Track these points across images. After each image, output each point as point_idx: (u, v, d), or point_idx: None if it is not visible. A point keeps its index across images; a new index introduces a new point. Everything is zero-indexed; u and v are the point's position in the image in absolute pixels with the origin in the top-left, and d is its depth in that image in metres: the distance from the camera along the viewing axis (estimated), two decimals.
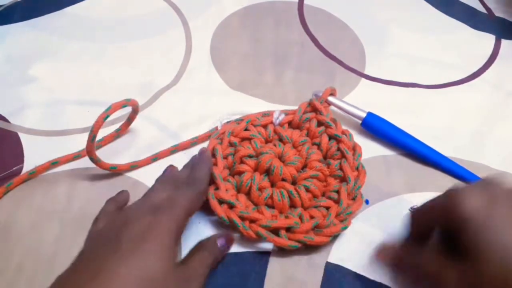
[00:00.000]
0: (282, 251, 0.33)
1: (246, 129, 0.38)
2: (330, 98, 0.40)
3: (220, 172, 0.35)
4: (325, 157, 0.38)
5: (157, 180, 0.33)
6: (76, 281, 0.25)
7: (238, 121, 0.39)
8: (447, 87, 0.46)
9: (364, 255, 0.33)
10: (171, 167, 0.35)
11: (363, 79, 0.46)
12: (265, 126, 0.39)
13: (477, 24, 0.52)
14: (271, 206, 0.34)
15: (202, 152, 0.36)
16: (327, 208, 0.34)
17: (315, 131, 0.38)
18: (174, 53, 0.46)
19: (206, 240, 0.32)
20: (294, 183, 0.35)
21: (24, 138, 0.39)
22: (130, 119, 0.38)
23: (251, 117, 0.39)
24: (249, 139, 0.38)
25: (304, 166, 0.36)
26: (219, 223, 0.34)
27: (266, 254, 0.33)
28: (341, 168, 0.36)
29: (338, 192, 0.35)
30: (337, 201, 0.34)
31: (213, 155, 0.36)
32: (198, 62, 0.46)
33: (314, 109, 0.39)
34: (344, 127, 0.39)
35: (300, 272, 0.32)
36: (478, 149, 0.40)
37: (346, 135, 0.38)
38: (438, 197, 0.27)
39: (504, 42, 0.51)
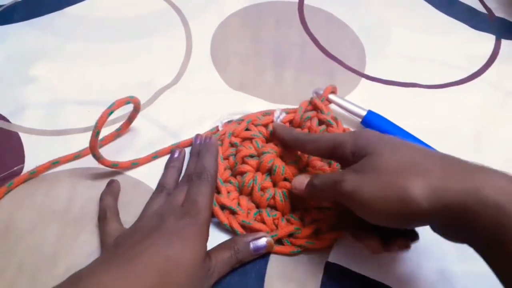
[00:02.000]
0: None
1: (247, 129, 0.38)
2: (331, 96, 0.41)
3: (221, 175, 0.35)
4: None
5: (167, 167, 0.36)
6: (116, 264, 0.26)
7: (239, 121, 0.39)
8: (447, 87, 0.46)
9: (364, 255, 0.33)
10: (180, 151, 0.38)
11: (363, 79, 0.46)
12: (266, 126, 0.39)
13: (477, 24, 0.52)
14: (273, 206, 0.34)
15: (206, 138, 0.37)
16: (329, 208, 0.34)
17: (316, 130, 0.38)
18: (174, 53, 0.46)
19: (240, 239, 0.32)
20: None
21: (24, 138, 0.39)
22: (131, 118, 0.38)
23: (251, 117, 0.39)
24: (250, 139, 0.38)
25: (306, 165, 0.36)
26: (220, 225, 0.34)
27: (266, 254, 0.33)
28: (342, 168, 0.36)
29: None
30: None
31: None
32: (198, 62, 0.46)
33: (315, 108, 0.39)
34: (344, 126, 0.39)
35: (300, 272, 0.32)
36: (478, 149, 0.40)
37: None
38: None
39: (504, 42, 0.51)
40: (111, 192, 0.35)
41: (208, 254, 0.30)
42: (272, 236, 0.32)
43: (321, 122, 0.39)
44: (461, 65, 0.48)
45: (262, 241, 0.32)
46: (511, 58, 0.49)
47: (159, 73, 0.44)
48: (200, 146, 0.37)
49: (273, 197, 0.34)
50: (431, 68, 0.47)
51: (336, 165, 0.36)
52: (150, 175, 0.37)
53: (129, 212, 0.34)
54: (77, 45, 0.46)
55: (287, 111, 0.40)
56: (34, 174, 0.36)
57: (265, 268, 0.32)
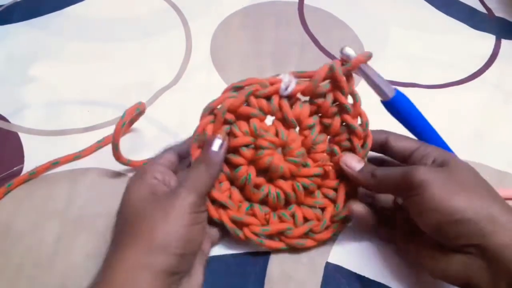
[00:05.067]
0: (282, 251, 0.33)
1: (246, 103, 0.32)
2: (364, 66, 0.32)
3: None
4: (330, 141, 0.33)
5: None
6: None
7: (237, 87, 0.31)
8: (447, 87, 0.46)
9: (364, 256, 0.33)
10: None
11: (363, 79, 0.46)
12: (268, 98, 0.31)
13: (477, 24, 0.52)
14: (265, 201, 0.32)
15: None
16: (323, 208, 0.33)
17: (328, 111, 0.31)
18: (174, 53, 0.46)
19: (204, 153, 0.30)
20: (292, 175, 0.32)
21: (24, 138, 0.39)
22: (133, 120, 0.38)
23: (254, 83, 0.31)
24: (247, 117, 0.31)
25: (308, 153, 0.32)
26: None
27: (266, 254, 0.33)
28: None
29: (336, 190, 0.33)
30: (334, 201, 0.33)
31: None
32: (198, 62, 0.46)
33: (334, 81, 0.31)
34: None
35: (300, 272, 0.32)
36: (478, 149, 0.40)
37: (362, 120, 0.32)
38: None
39: (504, 42, 0.51)
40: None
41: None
42: (263, 230, 0.32)
43: (334, 101, 0.31)
44: (461, 65, 0.48)
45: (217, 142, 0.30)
46: (511, 58, 0.49)
47: (159, 73, 0.44)
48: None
49: (266, 196, 0.32)
50: (431, 68, 0.47)
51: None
52: None
53: None
54: (77, 45, 0.46)
55: (297, 76, 0.31)
56: (34, 174, 0.36)
57: (265, 269, 0.32)
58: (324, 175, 0.33)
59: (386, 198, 0.34)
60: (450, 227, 0.26)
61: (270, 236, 0.32)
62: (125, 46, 0.47)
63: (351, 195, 0.33)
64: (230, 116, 0.31)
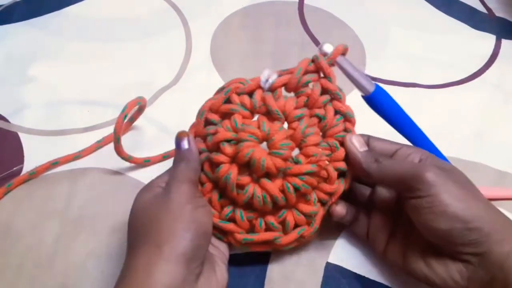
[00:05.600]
0: (282, 252, 0.33)
1: (227, 101, 0.30)
2: (340, 59, 0.31)
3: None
4: (323, 134, 0.30)
5: None
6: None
7: (221, 88, 0.31)
8: (447, 87, 0.46)
9: (364, 256, 0.33)
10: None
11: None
12: (250, 94, 0.30)
13: (477, 24, 0.52)
14: (251, 204, 0.29)
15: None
16: (316, 212, 0.30)
17: (318, 100, 0.29)
18: (174, 53, 0.46)
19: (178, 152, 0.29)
20: (283, 174, 0.29)
21: (24, 138, 0.39)
22: (134, 118, 0.38)
23: (234, 83, 0.30)
24: (229, 114, 0.30)
25: (300, 149, 0.30)
26: None
27: (266, 254, 0.33)
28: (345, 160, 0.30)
29: (330, 195, 0.30)
30: (326, 203, 0.30)
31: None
32: (198, 62, 0.46)
33: (319, 70, 0.30)
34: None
35: (300, 272, 0.32)
36: (478, 149, 0.40)
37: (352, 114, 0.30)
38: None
39: (504, 42, 0.51)
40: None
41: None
42: (245, 240, 0.30)
43: (324, 91, 0.30)
44: (461, 65, 0.48)
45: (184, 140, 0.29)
46: (511, 58, 0.49)
47: (159, 73, 0.44)
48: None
49: (251, 199, 0.29)
50: (431, 68, 0.47)
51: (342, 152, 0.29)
52: (150, 174, 0.37)
53: (129, 212, 0.34)
54: (76, 45, 0.46)
55: (280, 73, 0.30)
56: (34, 174, 0.36)
57: (265, 269, 0.32)
58: (320, 176, 0.29)
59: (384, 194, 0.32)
60: (461, 234, 0.25)
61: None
62: (125, 46, 0.47)
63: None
64: (214, 117, 0.30)
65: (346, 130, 0.30)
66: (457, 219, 0.25)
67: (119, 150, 0.34)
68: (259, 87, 0.30)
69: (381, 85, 0.45)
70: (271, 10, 0.52)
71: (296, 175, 0.28)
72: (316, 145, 0.29)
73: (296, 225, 0.30)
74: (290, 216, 0.30)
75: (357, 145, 0.29)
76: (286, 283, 0.31)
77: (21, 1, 0.50)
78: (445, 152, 0.39)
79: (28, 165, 0.37)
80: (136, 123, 0.39)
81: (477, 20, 0.53)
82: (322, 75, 0.30)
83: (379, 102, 0.32)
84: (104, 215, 0.34)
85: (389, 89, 0.44)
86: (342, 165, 0.30)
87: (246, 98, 0.30)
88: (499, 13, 0.54)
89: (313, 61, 0.30)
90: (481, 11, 0.54)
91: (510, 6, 0.55)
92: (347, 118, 0.30)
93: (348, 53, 0.47)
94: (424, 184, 0.26)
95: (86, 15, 0.50)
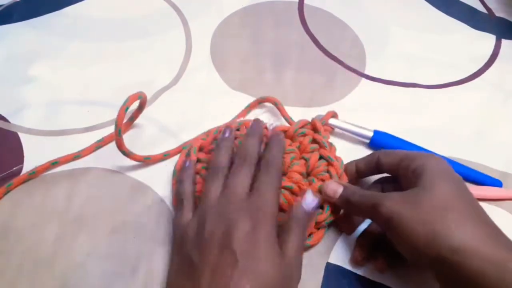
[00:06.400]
0: None
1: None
2: (332, 121, 0.39)
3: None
4: (308, 174, 0.35)
5: (219, 147, 0.33)
6: None
7: (206, 132, 0.38)
8: (447, 87, 0.46)
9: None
10: (231, 130, 0.35)
11: (363, 79, 0.46)
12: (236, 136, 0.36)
13: (477, 24, 0.52)
14: None
15: (276, 132, 0.34)
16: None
17: (307, 146, 0.36)
18: (174, 53, 0.46)
19: (294, 213, 0.29)
20: None
21: (24, 138, 0.39)
22: (134, 117, 0.38)
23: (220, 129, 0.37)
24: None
25: (284, 175, 0.34)
26: None
27: None
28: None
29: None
30: None
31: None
32: (198, 62, 0.46)
33: (314, 128, 0.37)
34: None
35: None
36: (478, 149, 0.40)
37: (338, 161, 0.35)
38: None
39: (504, 42, 0.51)
40: (189, 175, 0.33)
41: (281, 246, 0.28)
42: None
43: (314, 142, 0.37)
44: (461, 65, 0.48)
45: (309, 196, 0.30)
46: (511, 58, 0.49)
47: (159, 73, 0.44)
48: (267, 136, 0.34)
49: None
50: (431, 68, 0.47)
51: (317, 186, 0.33)
52: (150, 174, 0.37)
53: (129, 212, 0.34)
54: (76, 45, 0.46)
55: (277, 124, 0.38)
56: (34, 174, 0.36)
57: None
58: (299, 195, 0.32)
59: None
60: (422, 255, 0.27)
61: None
62: (125, 46, 0.47)
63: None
64: (203, 156, 0.36)
65: (329, 172, 0.35)
66: (412, 244, 0.27)
67: (120, 143, 0.34)
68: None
69: (381, 85, 0.45)
70: (271, 10, 0.52)
71: None
72: (299, 173, 0.34)
73: None
74: None
75: (331, 195, 0.32)
76: None
77: (21, 1, 0.50)
78: (445, 152, 0.39)
79: (28, 165, 0.37)
80: (136, 123, 0.39)
81: (477, 20, 0.53)
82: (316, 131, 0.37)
83: (382, 143, 0.38)
84: (104, 215, 0.34)
85: (389, 89, 0.45)
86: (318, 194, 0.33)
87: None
88: (499, 13, 0.54)
89: (310, 122, 0.38)
90: (481, 11, 0.54)
91: (510, 6, 0.55)
92: (329, 161, 0.35)
93: (348, 53, 0.48)
94: (382, 217, 0.28)
95: (86, 15, 0.50)
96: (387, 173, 0.33)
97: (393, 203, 0.28)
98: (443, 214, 0.26)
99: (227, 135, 0.34)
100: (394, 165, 0.32)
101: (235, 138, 0.35)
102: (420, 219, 0.27)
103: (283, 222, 0.29)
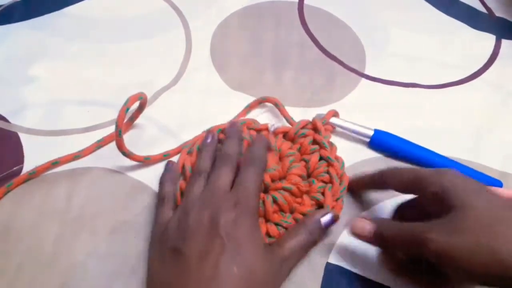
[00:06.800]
0: None
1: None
2: (333, 120, 0.39)
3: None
4: (309, 176, 0.35)
5: (201, 151, 0.35)
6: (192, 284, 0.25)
7: (207, 130, 0.38)
8: (447, 87, 0.46)
9: (365, 256, 0.33)
10: (213, 135, 0.36)
11: (363, 79, 0.46)
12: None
13: (477, 24, 0.52)
14: None
15: (259, 134, 0.36)
16: (287, 228, 0.32)
17: (307, 148, 0.36)
18: (174, 53, 0.46)
19: (310, 220, 0.31)
20: (266, 191, 0.33)
21: (24, 138, 0.39)
22: (134, 117, 0.38)
23: (222, 127, 0.38)
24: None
25: (284, 178, 0.34)
26: None
27: None
28: (323, 193, 0.34)
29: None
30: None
31: (182, 171, 0.35)
32: (198, 62, 0.46)
33: (314, 128, 0.38)
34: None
35: (300, 272, 0.32)
36: (478, 149, 0.40)
37: (338, 161, 0.36)
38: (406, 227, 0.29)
39: (504, 42, 0.51)
40: (171, 177, 0.35)
41: (278, 242, 0.30)
42: None
43: (315, 143, 0.37)
44: (461, 65, 0.48)
45: (329, 216, 0.32)
46: (511, 58, 0.49)
47: (159, 73, 0.44)
48: (252, 141, 0.35)
49: None
50: (431, 68, 0.47)
51: (317, 187, 0.34)
52: (150, 175, 0.37)
53: (129, 212, 0.34)
54: (77, 45, 0.46)
55: (279, 125, 0.38)
56: (34, 174, 0.36)
57: None
58: (299, 196, 0.34)
59: None
60: (481, 276, 0.25)
61: None
62: (125, 46, 0.47)
63: None
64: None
65: (329, 172, 0.35)
66: (464, 273, 0.26)
67: (120, 144, 0.34)
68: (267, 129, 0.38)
69: (381, 85, 0.45)
70: (271, 10, 0.52)
71: (276, 189, 0.33)
72: (299, 175, 0.34)
73: (270, 236, 0.32)
74: (263, 225, 0.32)
75: (361, 234, 0.30)
76: (286, 282, 0.31)
77: (21, 1, 0.50)
78: (445, 152, 0.39)
79: (28, 165, 0.37)
80: (136, 123, 0.39)
81: (477, 20, 0.53)
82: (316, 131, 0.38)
83: (383, 142, 0.39)
84: (104, 215, 0.34)
85: (389, 89, 0.45)
86: (318, 196, 0.34)
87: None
88: (499, 13, 0.54)
89: (310, 122, 0.38)
90: (481, 11, 0.54)
91: (510, 6, 0.55)
92: (329, 162, 0.35)
93: (348, 53, 0.48)
94: (430, 254, 0.26)
95: (86, 15, 0.50)
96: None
97: (440, 236, 0.26)
98: (491, 231, 0.25)
99: (209, 140, 0.36)
100: (402, 188, 0.31)
101: (219, 142, 0.36)
102: (473, 243, 0.25)
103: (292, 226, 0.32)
